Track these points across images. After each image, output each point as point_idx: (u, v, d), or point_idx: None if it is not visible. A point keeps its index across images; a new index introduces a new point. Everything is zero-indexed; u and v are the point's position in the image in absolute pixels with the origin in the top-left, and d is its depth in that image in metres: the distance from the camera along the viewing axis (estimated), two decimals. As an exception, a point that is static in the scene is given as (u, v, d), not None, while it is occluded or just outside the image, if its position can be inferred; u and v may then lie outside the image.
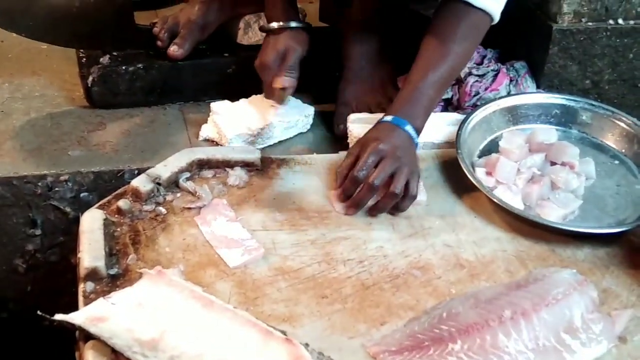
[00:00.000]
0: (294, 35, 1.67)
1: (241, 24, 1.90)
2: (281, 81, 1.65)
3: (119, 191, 1.42)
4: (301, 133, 1.75)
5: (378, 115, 1.73)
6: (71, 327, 1.09)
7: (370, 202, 1.42)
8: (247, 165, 1.52)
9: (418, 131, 1.49)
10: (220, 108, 1.69)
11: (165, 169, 1.45)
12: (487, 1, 1.50)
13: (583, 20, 1.78)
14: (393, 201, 1.41)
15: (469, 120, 1.60)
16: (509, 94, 1.75)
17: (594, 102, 1.70)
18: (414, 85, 1.50)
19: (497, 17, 1.53)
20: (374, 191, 1.40)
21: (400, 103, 1.51)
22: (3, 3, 1.66)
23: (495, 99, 1.68)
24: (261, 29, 1.73)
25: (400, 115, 1.47)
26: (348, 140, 1.66)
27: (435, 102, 1.55)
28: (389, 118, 1.48)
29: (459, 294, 1.26)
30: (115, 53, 1.81)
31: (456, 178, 1.52)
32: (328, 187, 1.49)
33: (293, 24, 1.67)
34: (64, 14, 1.71)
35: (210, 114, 1.69)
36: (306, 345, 1.10)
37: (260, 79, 1.70)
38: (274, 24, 1.67)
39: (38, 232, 1.61)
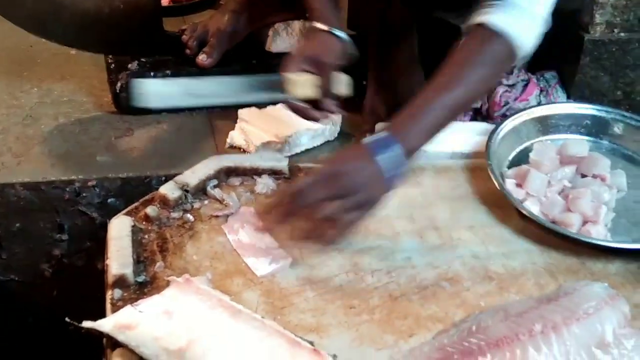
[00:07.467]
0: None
1: (270, 32, 1.90)
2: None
3: (146, 198, 1.42)
4: (328, 141, 1.74)
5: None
6: (98, 334, 1.09)
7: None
8: (274, 173, 1.52)
9: (409, 152, 1.30)
10: (247, 115, 1.69)
11: (192, 176, 1.45)
12: (513, 28, 1.34)
13: (615, 30, 1.77)
14: (315, 228, 1.25)
15: (498, 130, 1.58)
16: (539, 104, 1.74)
17: (625, 113, 1.68)
18: (418, 103, 1.34)
19: (524, 47, 1.37)
20: (295, 211, 1.26)
21: (396, 120, 1.33)
22: (33, 9, 1.67)
23: (525, 109, 1.67)
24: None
25: (388, 138, 1.29)
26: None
27: (440, 125, 1.34)
28: (368, 140, 1.30)
29: (488, 307, 1.25)
30: (143, 59, 1.81)
31: (485, 189, 1.50)
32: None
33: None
34: (93, 20, 1.72)
35: (238, 121, 1.69)
36: (334, 356, 1.09)
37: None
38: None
39: (65, 237, 1.62)
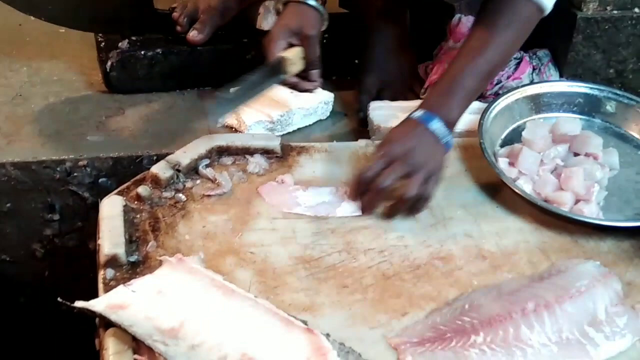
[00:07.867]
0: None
1: (261, 9, 1.88)
2: None
3: (138, 177, 1.42)
4: (320, 120, 1.74)
5: (398, 104, 1.72)
6: (91, 314, 1.09)
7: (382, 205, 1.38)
8: (266, 152, 1.51)
9: (451, 124, 1.42)
10: (239, 94, 1.67)
11: (184, 155, 1.44)
12: None
13: (608, 8, 1.76)
14: (405, 205, 1.36)
15: (491, 108, 1.58)
16: (531, 83, 1.73)
17: (617, 91, 1.67)
18: (451, 75, 1.45)
19: (547, 6, 1.47)
20: (380, 194, 1.35)
21: (434, 95, 1.46)
22: (22, -14, 1.65)
23: (517, 87, 1.66)
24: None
25: (432, 109, 1.41)
26: (368, 128, 1.64)
27: (474, 93, 1.48)
28: (417, 113, 1.41)
29: (481, 286, 1.25)
30: (134, 37, 1.79)
31: (478, 167, 1.50)
32: (348, 175, 1.47)
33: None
34: (83, -3, 1.70)
35: (230, 100, 1.68)
36: (327, 335, 1.09)
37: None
38: None
39: (56, 217, 1.61)
